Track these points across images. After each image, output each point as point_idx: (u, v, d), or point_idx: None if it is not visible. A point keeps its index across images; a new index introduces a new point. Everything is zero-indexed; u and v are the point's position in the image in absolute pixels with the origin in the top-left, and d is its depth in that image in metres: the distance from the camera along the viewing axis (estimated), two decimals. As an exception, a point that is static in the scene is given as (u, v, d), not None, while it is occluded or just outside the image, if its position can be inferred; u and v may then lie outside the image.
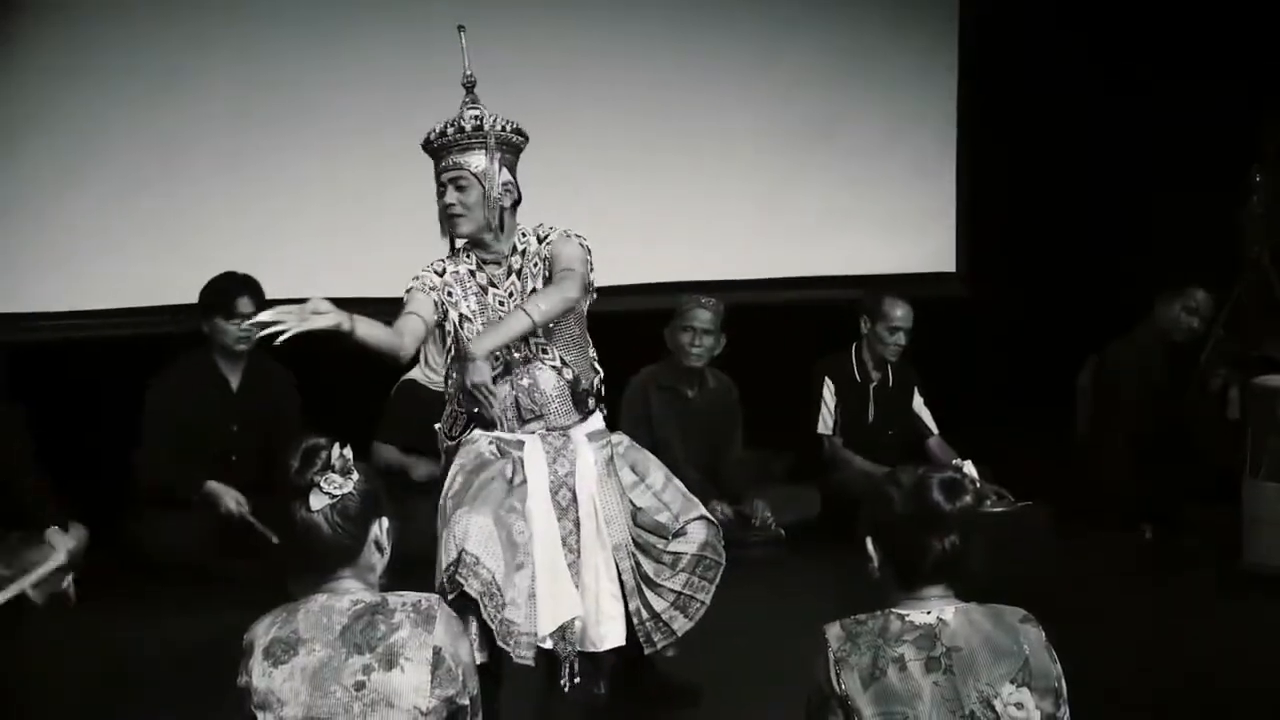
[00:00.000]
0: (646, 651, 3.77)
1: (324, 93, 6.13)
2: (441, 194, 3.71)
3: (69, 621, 4.82)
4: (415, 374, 5.62)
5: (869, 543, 2.55)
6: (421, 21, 6.20)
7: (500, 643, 3.43)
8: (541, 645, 3.54)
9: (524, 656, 3.49)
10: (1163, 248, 6.81)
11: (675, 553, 3.72)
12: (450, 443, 3.81)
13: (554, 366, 3.76)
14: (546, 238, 3.80)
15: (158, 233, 5.90)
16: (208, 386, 5.45)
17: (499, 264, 3.78)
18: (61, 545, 4.92)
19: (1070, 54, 7.20)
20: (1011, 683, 2.42)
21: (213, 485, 5.29)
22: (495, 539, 3.45)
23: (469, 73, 3.77)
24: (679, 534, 3.73)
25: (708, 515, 3.80)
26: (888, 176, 7.20)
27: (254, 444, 5.41)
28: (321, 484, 2.49)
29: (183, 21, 5.89)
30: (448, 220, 3.73)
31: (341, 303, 6.00)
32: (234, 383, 5.49)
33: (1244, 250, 6.38)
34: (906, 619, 2.47)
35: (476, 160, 3.68)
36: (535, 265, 3.78)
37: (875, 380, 6.22)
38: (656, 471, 3.86)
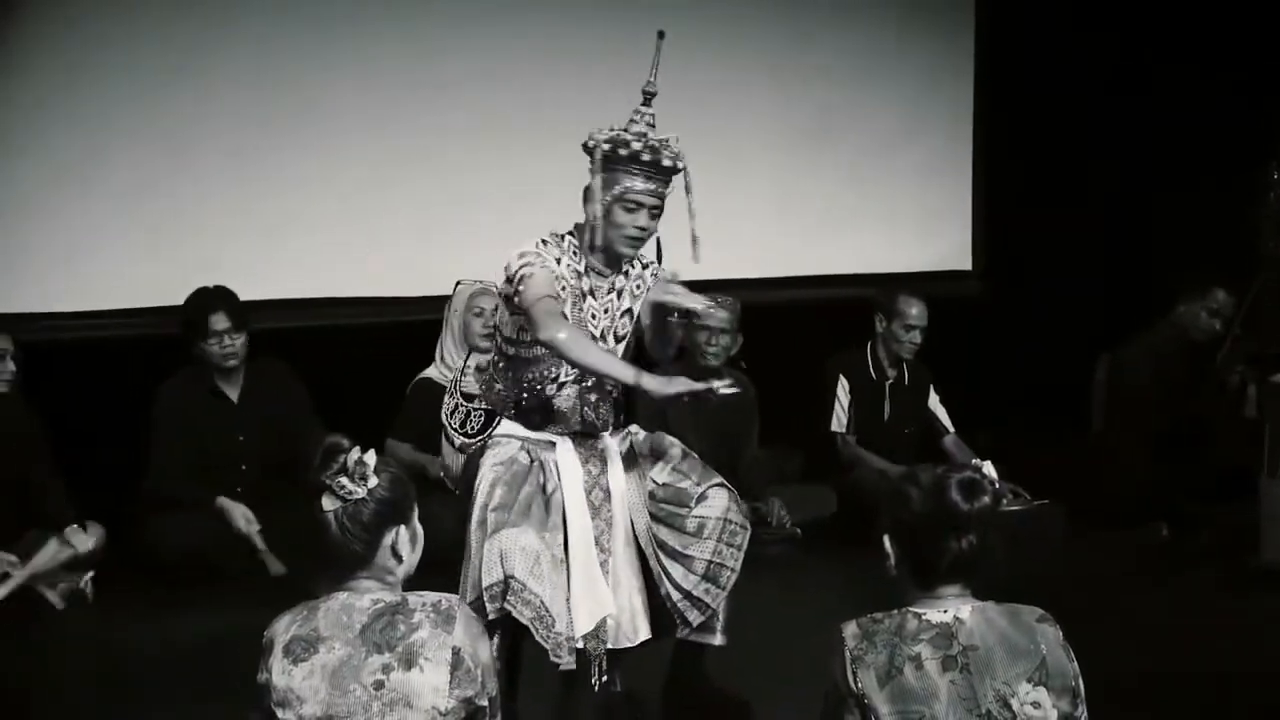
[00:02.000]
0: (680, 634, 3.79)
1: (326, 91, 6.12)
2: (631, 212, 3.67)
3: (81, 619, 4.84)
4: (430, 372, 5.63)
5: (886, 541, 2.60)
6: (423, 20, 6.23)
7: (553, 657, 3.49)
8: (575, 645, 3.57)
9: (568, 663, 3.53)
10: (1179, 246, 6.83)
11: (700, 518, 3.72)
12: (469, 440, 3.85)
13: (612, 385, 3.83)
14: (650, 265, 3.88)
15: (161, 233, 5.94)
16: (207, 402, 5.45)
17: (605, 277, 3.81)
18: (79, 543, 4.96)
19: (1087, 52, 7.19)
20: (1028, 681, 2.47)
21: (223, 502, 5.30)
22: (541, 560, 3.49)
23: (653, 81, 3.74)
24: (701, 499, 3.74)
25: (726, 484, 3.81)
26: (903, 174, 7.20)
27: (265, 448, 5.44)
28: (334, 487, 2.53)
29: (184, 19, 5.91)
30: (630, 241, 3.72)
31: (347, 303, 6.14)
32: (233, 395, 5.50)
33: (1261, 248, 6.40)
34: (923, 618, 2.51)
35: (664, 194, 3.71)
36: (638, 288, 3.86)
37: (891, 378, 6.25)
38: (673, 447, 3.90)
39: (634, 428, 3.97)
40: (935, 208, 7.32)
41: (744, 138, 6.85)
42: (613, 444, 3.86)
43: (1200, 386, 6.37)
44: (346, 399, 5.68)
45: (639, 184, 3.66)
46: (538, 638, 3.45)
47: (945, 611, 2.52)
